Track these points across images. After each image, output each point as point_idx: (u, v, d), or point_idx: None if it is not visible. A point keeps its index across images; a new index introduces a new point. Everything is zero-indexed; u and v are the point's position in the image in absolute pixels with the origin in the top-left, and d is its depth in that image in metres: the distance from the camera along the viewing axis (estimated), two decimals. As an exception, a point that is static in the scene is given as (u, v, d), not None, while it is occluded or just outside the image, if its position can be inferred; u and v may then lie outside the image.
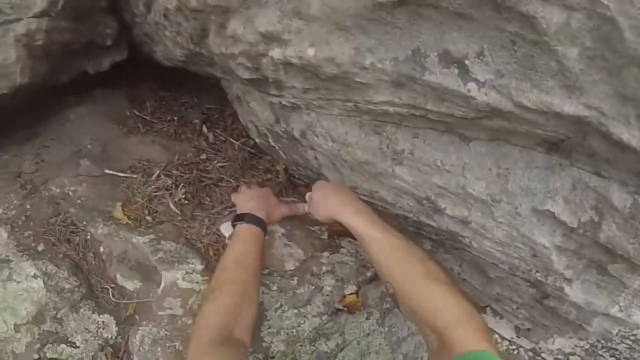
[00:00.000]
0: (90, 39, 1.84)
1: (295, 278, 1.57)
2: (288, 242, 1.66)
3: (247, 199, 1.57)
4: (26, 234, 1.60)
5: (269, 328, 1.47)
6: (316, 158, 1.41)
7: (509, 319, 1.55)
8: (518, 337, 1.77)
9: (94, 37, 1.85)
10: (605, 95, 0.79)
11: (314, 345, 1.51)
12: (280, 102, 1.35)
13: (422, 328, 1.03)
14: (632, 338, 1.52)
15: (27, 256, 1.53)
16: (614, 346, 1.59)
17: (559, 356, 1.74)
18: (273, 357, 1.46)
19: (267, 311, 1.48)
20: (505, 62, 0.85)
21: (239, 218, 1.48)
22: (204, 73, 1.72)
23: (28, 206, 1.66)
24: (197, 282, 1.49)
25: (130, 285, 1.56)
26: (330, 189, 1.38)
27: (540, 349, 1.77)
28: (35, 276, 1.49)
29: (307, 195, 1.52)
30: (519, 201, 1.05)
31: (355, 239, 1.49)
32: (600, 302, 1.12)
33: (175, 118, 2.16)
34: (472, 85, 0.91)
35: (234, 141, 2.08)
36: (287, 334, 1.48)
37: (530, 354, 1.80)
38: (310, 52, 1.11)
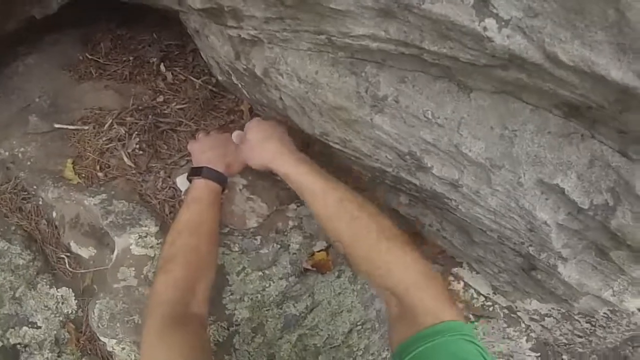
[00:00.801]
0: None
1: (259, 237, 1.42)
2: (250, 196, 1.48)
3: (204, 149, 1.40)
4: (-25, 206, 1.45)
5: (231, 294, 1.35)
6: (281, 99, 1.20)
7: (487, 279, 1.45)
8: (495, 294, 1.71)
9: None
10: None
11: (281, 309, 1.40)
12: (240, 35, 1.12)
13: (380, 291, 0.94)
14: (610, 316, 1.46)
15: (-23, 234, 1.39)
16: (594, 316, 1.53)
17: (535, 316, 1.69)
18: (238, 325, 1.36)
19: (229, 275, 1.36)
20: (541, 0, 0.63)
21: (194, 172, 1.34)
22: (160, 6, 1.47)
23: (-24, 174, 1.50)
24: (151, 247, 1.36)
25: (86, 252, 1.45)
26: (267, 132, 1.23)
27: (516, 307, 1.71)
28: (-14, 257, 1.37)
29: (236, 134, 1.36)
30: (523, 169, 0.87)
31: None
32: (594, 284, 1.00)
33: (131, 58, 1.91)
34: (490, 23, 0.68)
35: (194, 80, 1.85)
36: (252, 299, 1.37)
37: (506, 311, 1.74)
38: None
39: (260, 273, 1.38)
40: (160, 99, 1.76)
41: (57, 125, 1.63)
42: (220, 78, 1.55)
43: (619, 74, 0.60)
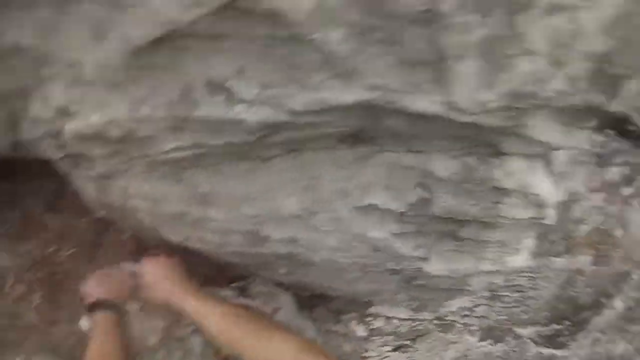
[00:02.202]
0: None
1: (161, 351, 1.43)
2: (145, 315, 1.49)
3: (93, 285, 1.39)
4: None
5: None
6: (144, 219, 1.28)
7: (394, 305, 1.52)
8: (416, 312, 1.76)
9: None
10: (387, 68, 0.73)
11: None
12: (96, 174, 1.21)
13: None
14: (527, 275, 1.56)
15: None
16: (513, 284, 1.63)
17: (465, 312, 1.75)
18: None
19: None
20: (268, 72, 0.76)
21: (90, 308, 1.31)
22: (34, 157, 1.52)
23: None
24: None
25: None
26: (158, 269, 1.27)
27: (443, 314, 1.76)
28: None
29: (135, 269, 1.34)
30: (336, 205, 0.98)
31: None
32: (467, 264, 1.10)
33: (18, 213, 1.89)
34: (240, 107, 0.80)
35: (80, 220, 1.85)
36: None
37: (436, 322, 1.79)
38: (95, 118, 0.99)
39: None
40: (51, 248, 1.77)
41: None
42: (100, 214, 1.58)
43: (351, 97, 0.73)
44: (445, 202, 0.92)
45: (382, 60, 0.71)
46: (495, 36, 0.69)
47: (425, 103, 0.74)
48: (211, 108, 0.81)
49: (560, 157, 1.03)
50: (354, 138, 0.90)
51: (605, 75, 0.75)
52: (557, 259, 1.65)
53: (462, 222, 0.98)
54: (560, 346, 2.38)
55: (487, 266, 1.10)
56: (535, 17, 0.68)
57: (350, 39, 0.71)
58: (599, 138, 1.59)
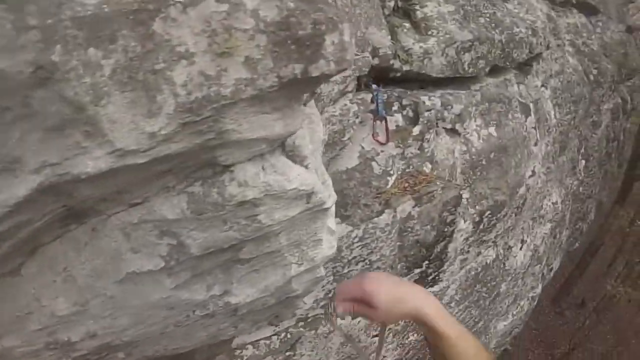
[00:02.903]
0: None
1: None
2: None
3: None
4: None
5: None
6: None
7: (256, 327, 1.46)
8: (276, 326, 1.71)
9: None
10: (39, 144, 0.62)
11: None
12: None
13: None
14: (359, 244, 1.55)
15: None
16: (349, 259, 1.64)
17: (321, 302, 1.75)
18: None
19: None
20: None
21: None
22: None
23: None
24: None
25: None
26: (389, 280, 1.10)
27: (304, 314, 1.75)
28: None
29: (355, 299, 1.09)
30: (100, 287, 0.87)
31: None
32: (274, 277, 1.05)
33: None
34: None
35: None
36: None
37: (302, 323, 1.77)
38: None
39: None
40: None
41: None
42: None
43: (23, 188, 0.63)
44: (198, 239, 0.86)
45: (31, 137, 0.62)
46: (131, 57, 0.62)
47: (93, 162, 0.66)
48: None
49: (314, 133, 1.00)
50: (75, 216, 0.80)
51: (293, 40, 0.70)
52: (380, 218, 1.71)
53: (235, 247, 0.93)
54: (433, 283, 2.52)
55: (298, 269, 1.07)
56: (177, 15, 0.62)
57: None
58: (360, 97, 1.68)
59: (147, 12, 0.58)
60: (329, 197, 0.97)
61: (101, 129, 0.64)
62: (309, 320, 1.70)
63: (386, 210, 1.66)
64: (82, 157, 0.66)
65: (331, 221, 1.14)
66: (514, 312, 3.63)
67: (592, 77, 3.85)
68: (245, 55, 0.63)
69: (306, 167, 0.93)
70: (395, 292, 1.05)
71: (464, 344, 1.08)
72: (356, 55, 1.50)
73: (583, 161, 4.03)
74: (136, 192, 0.79)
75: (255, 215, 0.89)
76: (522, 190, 2.50)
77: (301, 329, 1.68)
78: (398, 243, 1.78)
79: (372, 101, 1.57)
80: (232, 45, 0.65)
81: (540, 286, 3.86)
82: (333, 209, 1.17)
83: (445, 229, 2.11)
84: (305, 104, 0.88)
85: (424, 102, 1.77)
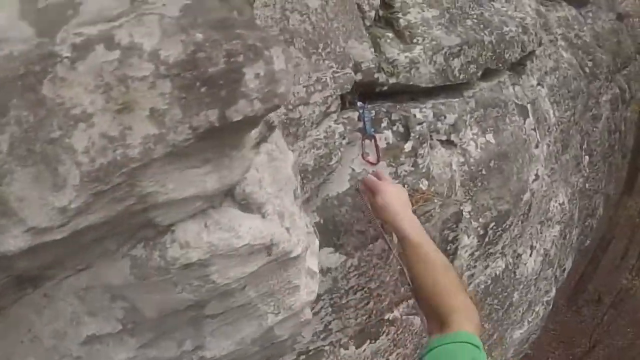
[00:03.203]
0: None
1: None
2: None
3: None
4: None
5: None
6: None
7: None
8: None
9: None
10: None
11: None
12: None
13: (428, 310, 1.25)
14: (355, 274, 1.46)
15: None
16: (346, 289, 1.54)
17: (322, 335, 1.64)
18: None
19: None
20: None
21: None
22: None
23: None
24: None
25: None
26: (392, 193, 1.41)
27: (304, 348, 1.63)
28: None
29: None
30: (64, 349, 0.80)
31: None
32: (250, 328, 0.95)
33: None
34: None
35: None
36: None
37: (303, 356, 1.65)
38: None
39: None
40: None
41: None
42: None
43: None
44: (150, 303, 0.76)
45: None
46: (26, 129, 0.52)
47: (14, 241, 0.56)
48: None
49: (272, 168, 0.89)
50: (29, 281, 0.71)
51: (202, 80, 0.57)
52: (375, 244, 1.59)
53: (196, 306, 0.82)
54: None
55: (275, 318, 0.95)
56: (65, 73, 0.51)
57: None
58: (346, 116, 1.57)
59: (34, 74, 0.48)
60: (298, 244, 0.85)
61: (12, 208, 0.54)
62: (310, 353, 1.59)
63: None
64: (2, 237, 0.56)
65: (312, 262, 1.03)
66: (530, 319, 3.49)
67: (587, 70, 3.74)
68: (149, 107, 0.53)
69: (263, 215, 0.82)
70: (396, 204, 1.39)
71: (428, 248, 1.33)
72: (336, 72, 1.40)
73: (587, 157, 3.91)
74: (77, 259, 0.68)
75: (207, 276, 0.78)
76: (526, 196, 2.38)
77: (303, 364, 1.57)
78: (398, 267, 1.67)
79: (359, 119, 1.46)
80: (130, 99, 0.54)
81: (554, 289, 3.73)
82: (315, 248, 1.05)
83: (448, 247, 2.00)
84: (259, 142, 0.76)
85: (414, 116, 1.66)
